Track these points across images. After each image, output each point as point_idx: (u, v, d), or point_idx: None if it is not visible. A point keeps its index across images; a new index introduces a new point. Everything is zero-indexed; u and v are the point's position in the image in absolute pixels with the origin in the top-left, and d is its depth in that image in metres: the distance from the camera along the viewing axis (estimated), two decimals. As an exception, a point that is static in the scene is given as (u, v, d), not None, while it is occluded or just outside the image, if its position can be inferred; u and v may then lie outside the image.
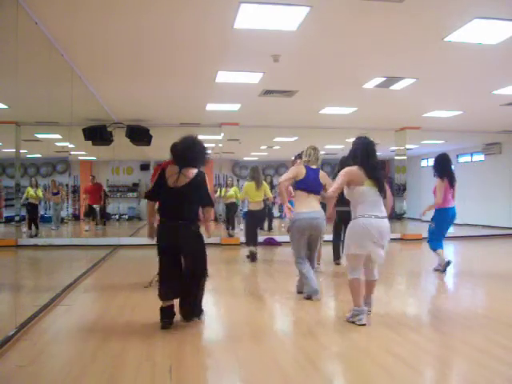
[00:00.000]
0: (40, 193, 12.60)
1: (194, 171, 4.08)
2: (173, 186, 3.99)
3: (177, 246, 4.03)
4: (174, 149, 4.21)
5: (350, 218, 7.18)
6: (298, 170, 5.23)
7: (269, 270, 7.54)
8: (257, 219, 8.39)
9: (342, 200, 7.22)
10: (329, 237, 7.29)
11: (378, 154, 6.84)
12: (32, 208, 12.23)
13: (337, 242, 7.55)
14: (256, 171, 8.26)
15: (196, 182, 4.06)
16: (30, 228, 12.07)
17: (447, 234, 7.04)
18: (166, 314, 4.08)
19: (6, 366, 3.26)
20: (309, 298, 5.08)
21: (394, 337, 3.89)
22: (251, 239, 8.15)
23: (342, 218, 7.10)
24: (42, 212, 13.97)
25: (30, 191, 12.24)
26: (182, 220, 4.01)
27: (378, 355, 3.46)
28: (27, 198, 12.13)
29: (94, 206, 13.64)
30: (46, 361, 3.42)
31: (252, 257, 8.02)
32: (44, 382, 3.03)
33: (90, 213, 13.58)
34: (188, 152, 4.07)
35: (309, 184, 5.17)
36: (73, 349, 3.67)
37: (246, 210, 8.59)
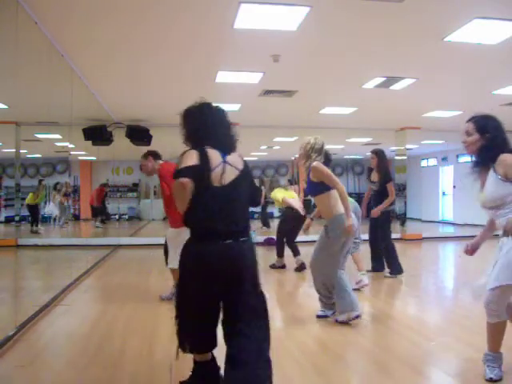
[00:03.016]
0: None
1: (239, 158, 2.58)
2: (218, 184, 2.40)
3: (232, 281, 2.37)
4: (199, 122, 2.54)
5: (387, 220, 6.56)
6: None
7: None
8: None
9: (379, 199, 6.54)
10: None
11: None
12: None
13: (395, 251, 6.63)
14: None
15: (248, 171, 2.60)
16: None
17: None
18: (202, 373, 2.61)
19: (5, 365, 3.26)
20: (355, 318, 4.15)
21: (394, 336, 3.89)
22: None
23: (377, 220, 6.56)
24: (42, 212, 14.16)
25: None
26: (241, 236, 2.42)
27: (379, 356, 3.46)
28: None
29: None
30: (46, 361, 3.42)
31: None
32: (44, 383, 3.03)
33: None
34: (227, 129, 2.60)
35: None
36: (72, 349, 3.67)
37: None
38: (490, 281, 2.84)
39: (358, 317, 4.08)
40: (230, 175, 2.43)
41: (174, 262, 4.68)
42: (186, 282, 2.42)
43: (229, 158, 2.47)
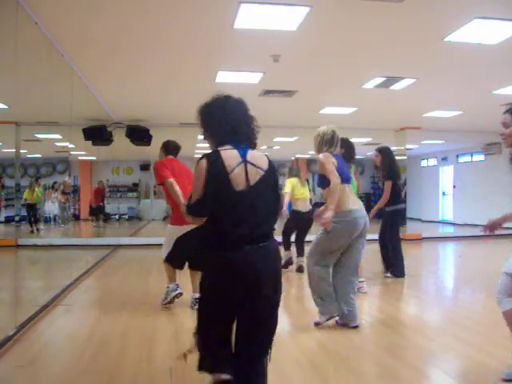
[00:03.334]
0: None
1: (264, 157, 2.31)
2: (245, 187, 2.17)
3: (252, 288, 2.16)
4: (212, 118, 2.31)
5: (393, 220, 6.26)
6: (333, 159, 3.98)
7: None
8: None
9: (397, 196, 6.35)
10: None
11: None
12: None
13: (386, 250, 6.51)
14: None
15: (273, 173, 2.29)
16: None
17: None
18: None
19: (5, 365, 3.26)
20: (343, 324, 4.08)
21: (395, 337, 3.89)
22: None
23: (387, 221, 6.37)
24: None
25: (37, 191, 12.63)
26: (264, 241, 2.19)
27: (379, 356, 3.46)
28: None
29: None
30: (46, 361, 3.43)
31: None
32: (43, 382, 3.03)
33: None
34: (249, 123, 2.32)
35: (343, 172, 4.02)
36: (72, 349, 3.67)
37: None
38: None
39: (356, 327, 4.00)
40: (254, 176, 2.18)
41: (163, 253, 4.81)
42: (209, 293, 2.23)
43: (250, 155, 2.21)
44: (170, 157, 4.88)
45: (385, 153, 6.36)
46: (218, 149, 2.22)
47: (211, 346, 2.25)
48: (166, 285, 4.90)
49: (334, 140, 4.06)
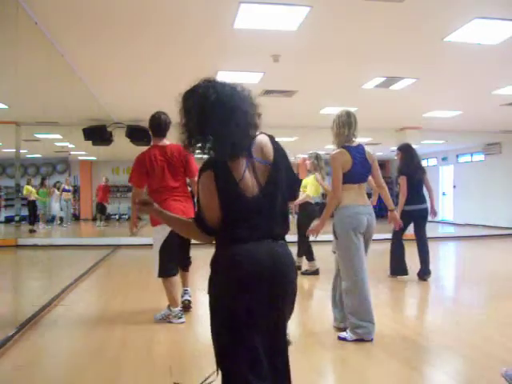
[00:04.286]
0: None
1: (267, 143, 1.87)
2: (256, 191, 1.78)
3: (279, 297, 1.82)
4: (201, 118, 1.79)
5: (425, 218, 6.17)
6: (344, 159, 3.68)
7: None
8: None
9: (416, 195, 6.10)
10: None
11: (378, 154, 6.71)
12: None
13: (400, 252, 6.42)
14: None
15: (281, 160, 1.87)
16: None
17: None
18: None
19: (5, 366, 3.25)
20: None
21: (394, 337, 3.89)
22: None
23: (413, 218, 6.15)
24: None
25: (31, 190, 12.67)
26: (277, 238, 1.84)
27: (379, 356, 3.46)
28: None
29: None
30: (46, 361, 3.43)
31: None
32: (43, 383, 3.03)
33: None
34: (243, 113, 1.78)
35: (358, 172, 3.73)
36: (72, 349, 3.67)
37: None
38: None
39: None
40: (263, 174, 1.80)
41: (155, 269, 4.23)
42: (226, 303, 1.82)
43: (254, 150, 1.82)
44: (157, 140, 4.32)
45: (402, 150, 6.33)
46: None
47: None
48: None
49: (352, 120, 3.70)
